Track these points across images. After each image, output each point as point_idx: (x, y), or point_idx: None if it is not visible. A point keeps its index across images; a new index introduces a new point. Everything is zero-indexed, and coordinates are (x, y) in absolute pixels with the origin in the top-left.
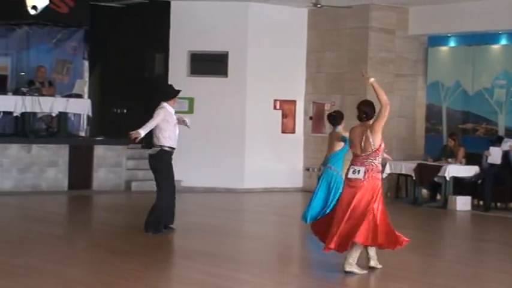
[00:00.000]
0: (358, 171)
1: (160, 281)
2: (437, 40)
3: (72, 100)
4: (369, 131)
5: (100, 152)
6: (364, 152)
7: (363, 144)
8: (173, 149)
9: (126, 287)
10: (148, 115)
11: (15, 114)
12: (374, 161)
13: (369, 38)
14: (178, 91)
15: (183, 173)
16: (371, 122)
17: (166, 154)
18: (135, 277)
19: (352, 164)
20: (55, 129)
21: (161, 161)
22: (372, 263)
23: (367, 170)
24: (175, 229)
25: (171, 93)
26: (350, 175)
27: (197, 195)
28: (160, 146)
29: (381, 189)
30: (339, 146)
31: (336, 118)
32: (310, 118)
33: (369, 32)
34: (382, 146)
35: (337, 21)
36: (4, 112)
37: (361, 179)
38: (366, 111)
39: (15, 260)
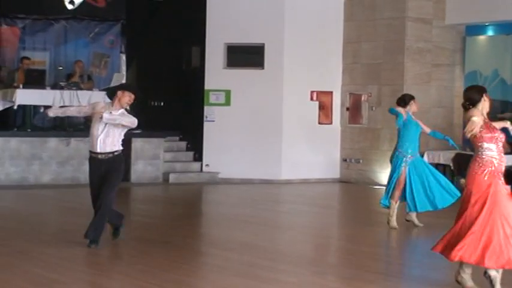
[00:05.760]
0: None
1: (199, 271)
2: (474, 29)
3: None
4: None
5: (138, 144)
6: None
7: None
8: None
9: (165, 277)
10: (185, 107)
11: None
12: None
13: (405, 28)
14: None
15: (220, 164)
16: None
17: None
18: (174, 267)
19: None
20: None
21: None
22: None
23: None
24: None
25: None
26: None
27: (234, 186)
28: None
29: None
30: None
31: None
32: (347, 109)
33: (406, 22)
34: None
35: (374, 12)
36: (43, 106)
37: None
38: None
39: (58, 252)
